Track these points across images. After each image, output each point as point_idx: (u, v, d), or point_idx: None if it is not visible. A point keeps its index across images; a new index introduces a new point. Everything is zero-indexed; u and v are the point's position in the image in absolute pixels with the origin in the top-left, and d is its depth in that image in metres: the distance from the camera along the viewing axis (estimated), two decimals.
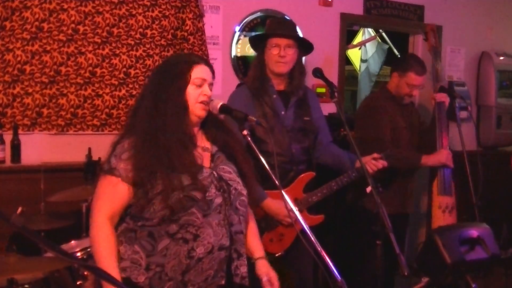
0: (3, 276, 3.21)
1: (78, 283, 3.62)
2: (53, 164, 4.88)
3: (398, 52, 8.90)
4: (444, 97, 4.70)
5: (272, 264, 3.97)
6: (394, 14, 6.59)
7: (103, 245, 2.71)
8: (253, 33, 5.59)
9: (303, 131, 4.09)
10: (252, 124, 3.07)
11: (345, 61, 9.29)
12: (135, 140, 2.75)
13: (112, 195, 2.73)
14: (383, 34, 8.71)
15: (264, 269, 3.01)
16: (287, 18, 5.65)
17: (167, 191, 2.65)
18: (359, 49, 9.34)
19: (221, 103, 2.90)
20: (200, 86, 2.83)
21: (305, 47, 4.15)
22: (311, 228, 4.01)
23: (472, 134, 6.44)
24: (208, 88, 2.85)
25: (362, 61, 9.55)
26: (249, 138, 2.85)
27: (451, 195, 4.65)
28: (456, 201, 4.66)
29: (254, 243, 3.08)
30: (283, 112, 4.05)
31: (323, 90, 5.82)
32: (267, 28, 4.15)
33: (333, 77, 6.26)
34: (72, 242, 4.04)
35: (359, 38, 8.94)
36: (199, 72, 2.84)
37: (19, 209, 3.39)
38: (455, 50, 7.05)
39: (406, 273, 3.04)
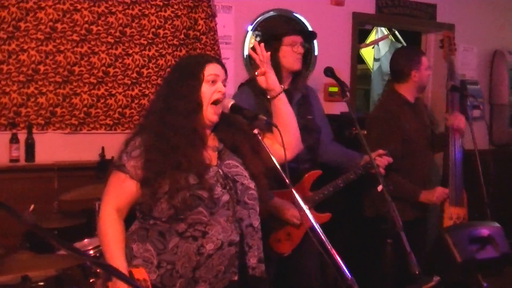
0: (16, 273, 3.25)
1: (90, 280, 3.66)
2: (67, 163, 4.93)
3: None
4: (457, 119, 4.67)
5: (279, 264, 4.02)
6: (406, 13, 6.60)
7: (110, 233, 2.77)
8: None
9: (306, 130, 4.10)
10: (262, 123, 3.09)
11: (359, 60, 9.37)
12: (146, 138, 2.80)
13: (119, 190, 2.80)
14: (396, 33, 8.70)
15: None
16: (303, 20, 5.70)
17: (173, 191, 2.69)
18: (373, 48, 9.33)
19: (232, 102, 2.91)
20: (213, 82, 2.86)
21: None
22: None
23: (485, 132, 6.43)
24: (221, 85, 2.89)
25: (375, 60, 9.54)
26: (259, 137, 2.87)
27: (463, 206, 4.62)
28: (468, 200, 4.65)
29: None
30: None
31: (335, 89, 5.83)
32: (279, 27, 4.16)
33: (345, 76, 6.27)
34: (85, 240, 4.08)
35: (372, 37, 8.93)
36: (211, 69, 2.87)
37: (31, 207, 3.44)
38: (468, 48, 7.04)
39: (416, 272, 3.05)
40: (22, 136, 4.87)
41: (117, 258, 2.71)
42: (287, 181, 2.77)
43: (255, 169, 2.97)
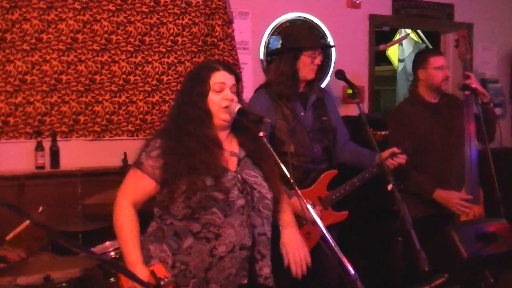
0: (38, 273, 3.38)
1: (111, 280, 3.76)
2: (90, 169, 5.05)
3: None
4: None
5: None
6: (423, 13, 6.63)
7: (126, 227, 2.89)
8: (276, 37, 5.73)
9: (322, 131, 4.19)
10: (268, 126, 3.18)
11: (386, 61, 9.41)
12: (164, 141, 2.93)
13: (136, 186, 2.94)
14: (420, 33, 8.71)
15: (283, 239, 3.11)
16: (307, 21, 5.76)
17: (189, 192, 2.81)
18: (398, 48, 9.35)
19: (238, 107, 2.99)
20: (220, 91, 2.96)
21: None
22: (335, 224, 4.14)
23: (508, 130, 6.45)
24: (229, 92, 2.97)
25: (400, 60, 9.55)
26: (265, 140, 2.95)
27: (479, 203, 4.64)
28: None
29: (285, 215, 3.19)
30: (302, 113, 4.16)
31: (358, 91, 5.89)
32: (301, 39, 4.18)
33: (363, 78, 6.35)
34: (107, 242, 4.18)
35: (396, 38, 8.96)
36: (217, 77, 2.97)
37: (40, 209, 3.56)
38: (487, 47, 7.05)
39: (426, 269, 3.10)
40: (46, 143, 5.01)
41: (133, 251, 2.83)
42: (291, 180, 2.85)
43: (270, 175, 3.06)
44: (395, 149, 4.10)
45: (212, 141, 2.94)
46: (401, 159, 4.09)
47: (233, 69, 3.15)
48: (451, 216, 4.53)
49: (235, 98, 3.00)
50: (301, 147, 4.07)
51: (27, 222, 3.95)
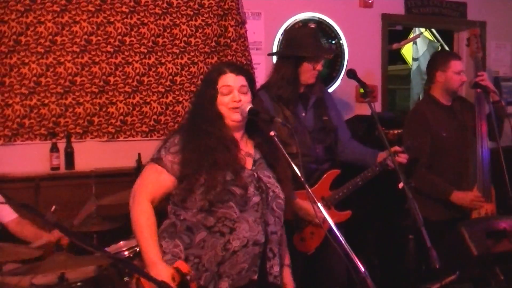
0: (53, 272, 3.43)
1: (125, 279, 3.80)
2: (104, 170, 5.09)
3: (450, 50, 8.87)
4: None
5: (305, 263, 4.10)
6: (436, 12, 6.63)
7: (144, 223, 2.88)
8: None
9: (323, 131, 4.20)
10: (278, 126, 3.20)
11: (401, 60, 9.40)
12: (183, 138, 2.97)
13: (155, 181, 2.94)
14: (434, 31, 8.71)
15: (285, 280, 3.15)
16: (311, 26, 5.79)
17: (209, 185, 2.84)
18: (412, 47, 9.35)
19: (249, 107, 3.02)
20: (228, 94, 2.99)
21: None
22: (339, 224, 4.16)
23: None
24: (236, 94, 2.99)
25: (414, 59, 9.55)
26: (276, 139, 2.97)
27: (491, 201, 4.63)
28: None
29: (283, 251, 3.19)
30: (303, 114, 4.18)
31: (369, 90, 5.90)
32: (304, 48, 4.19)
33: (377, 78, 6.37)
34: (121, 242, 4.22)
35: (411, 36, 8.96)
36: (224, 80, 3.01)
37: (53, 208, 3.60)
38: (500, 45, 7.03)
39: (437, 266, 3.11)
40: (61, 145, 5.08)
41: (153, 249, 2.84)
42: (304, 182, 2.87)
43: (283, 177, 3.09)
44: (397, 148, 4.09)
45: (230, 140, 2.99)
46: (402, 158, 4.07)
47: (243, 69, 3.18)
48: (466, 218, 4.54)
49: (246, 98, 3.03)
50: (303, 147, 4.07)
51: (92, 204, 4.03)
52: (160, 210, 3.05)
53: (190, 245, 2.89)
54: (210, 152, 2.89)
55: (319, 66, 4.15)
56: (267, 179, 3.03)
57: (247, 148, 3.09)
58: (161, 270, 2.75)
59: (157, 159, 2.95)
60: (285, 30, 5.89)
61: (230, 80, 3.02)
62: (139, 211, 2.91)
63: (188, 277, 2.75)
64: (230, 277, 2.87)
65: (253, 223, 2.88)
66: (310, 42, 4.23)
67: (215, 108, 3.00)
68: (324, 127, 4.21)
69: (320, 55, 4.19)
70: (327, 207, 4.10)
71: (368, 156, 4.24)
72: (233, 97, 2.99)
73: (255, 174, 2.99)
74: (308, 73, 4.13)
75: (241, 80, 3.05)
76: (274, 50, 5.85)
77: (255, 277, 2.93)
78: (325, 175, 4.16)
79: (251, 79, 3.13)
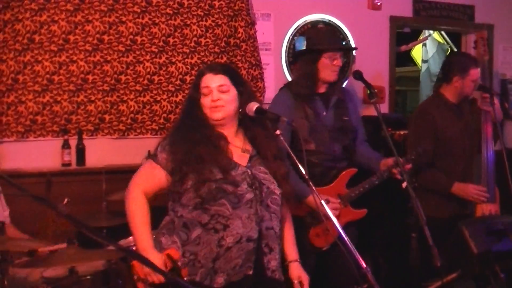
0: (63, 265, 3.51)
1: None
2: (115, 166, 5.18)
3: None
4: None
5: (318, 259, 4.15)
6: (444, 15, 6.68)
7: (138, 214, 3.04)
8: (303, 38, 5.82)
9: (342, 131, 4.27)
10: (297, 123, 3.26)
11: (411, 61, 9.43)
12: (173, 137, 3.10)
13: (149, 176, 3.07)
14: (444, 34, 8.73)
15: (296, 272, 3.21)
16: (329, 23, 5.85)
17: (199, 181, 2.93)
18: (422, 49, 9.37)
19: (256, 106, 3.10)
20: (207, 94, 3.08)
21: None
22: (354, 222, 4.22)
23: None
24: (216, 94, 3.06)
25: (423, 61, 9.57)
26: (281, 138, 3.06)
27: (495, 202, 4.66)
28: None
29: (289, 247, 3.28)
30: (324, 113, 4.24)
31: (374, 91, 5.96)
32: (321, 41, 4.26)
33: (385, 79, 6.42)
34: (130, 237, 4.28)
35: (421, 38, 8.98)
36: (204, 82, 3.11)
37: (65, 200, 3.69)
38: (508, 48, 7.04)
39: (438, 264, 3.17)
40: (73, 141, 5.17)
41: (145, 237, 2.99)
42: (306, 176, 2.94)
43: (276, 169, 3.14)
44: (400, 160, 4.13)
45: (217, 136, 3.08)
46: (405, 168, 4.12)
47: (224, 68, 3.22)
48: (470, 216, 4.58)
49: (227, 97, 3.08)
50: (321, 145, 4.16)
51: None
52: (161, 207, 3.16)
53: (187, 242, 2.97)
54: (195, 147, 2.99)
55: (337, 62, 4.20)
56: (263, 175, 3.09)
57: (244, 145, 3.16)
58: (153, 257, 2.87)
59: (153, 156, 3.09)
60: (301, 30, 5.99)
61: (208, 81, 3.10)
62: (132, 201, 3.06)
63: (179, 263, 2.87)
64: (225, 272, 2.95)
65: (246, 219, 2.95)
66: (326, 37, 4.31)
67: (199, 109, 3.10)
68: (344, 127, 4.28)
69: (336, 47, 4.25)
70: (343, 204, 4.17)
71: (372, 162, 4.29)
72: (211, 97, 3.07)
73: (249, 171, 3.05)
74: (327, 68, 4.19)
75: (220, 79, 3.10)
76: (283, 51, 5.93)
77: (250, 272, 2.99)
78: (342, 174, 4.22)
79: (234, 77, 3.17)
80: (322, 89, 4.29)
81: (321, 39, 4.29)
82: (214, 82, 3.09)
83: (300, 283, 3.17)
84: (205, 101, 3.08)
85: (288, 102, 4.20)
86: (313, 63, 4.21)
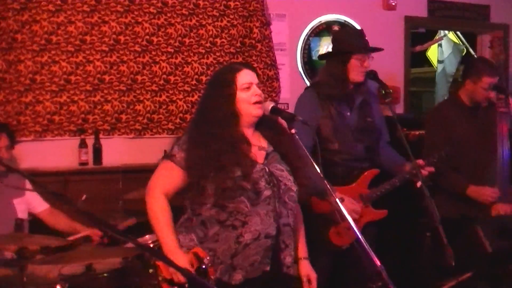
0: (80, 262, 3.56)
1: (150, 271, 3.90)
2: (131, 166, 5.22)
3: (474, 52, 8.86)
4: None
5: (338, 257, 4.16)
6: (459, 15, 6.68)
7: (161, 216, 3.01)
8: (317, 38, 5.86)
9: (365, 131, 4.28)
10: (321, 123, 3.26)
11: (427, 63, 9.42)
12: (191, 142, 3.05)
13: (167, 176, 3.07)
14: (459, 34, 8.71)
15: (305, 270, 3.23)
16: (355, 26, 5.88)
17: (219, 185, 2.94)
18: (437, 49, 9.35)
19: (272, 105, 3.13)
20: (248, 89, 3.06)
21: None
22: (375, 222, 4.24)
23: None
24: (257, 89, 3.07)
25: (439, 62, 9.55)
26: (296, 137, 3.07)
27: (510, 202, 4.68)
28: None
29: (300, 243, 3.29)
30: (348, 113, 4.26)
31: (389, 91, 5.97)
32: (350, 43, 4.29)
33: (400, 80, 6.43)
34: (147, 236, 4.32)
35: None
36: (243, 77, 3.08)
37: (83, 197, 3.73)
38: None
39: (452, 264, 3.17)
40: (90, 141, 5.22)
41: (170, 238, 2.96)
42: (321, 175, 2.96)
43: (296, 166, 3.16)
44: (420, 162, 4.14)
45: (239, 139, 3.06)
46: (426, 171, 4.13)
47: (254, 67, 3.28)
48: (485, 216, 4.58)
49: (262, 94, 3.12)
50: (344, 145, 4.17)
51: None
52: (178, 205, 3.17)
53: (204, 239, 2.99)
54: (217, 158, 2.96)
55: (366, 63, 4.22)
56: (280, 172, 3.10)
57: (260, 142, 3.16)
58: (179, 257, 2.87)
59: (170, 156, 3.07)
60: (316, 31, 6.03)
61: (249, 76, 3.10)
62: (154, 204, 3.04)
63: (206, 262, 2.86)
64: (244, 269, 2.96)
65: (264, 216, 2.97)
66: (356, 39, 4.33)
67: (233, 107, 3.06)
68: (367, 127, 4.28)
69: (366, 49, 4.28)
70: (364, 204, 4.18)
71: (395, 165, 4.28)
72: (254, 91, 3.06)
73: (266, 168, 3.05)
74: (357, 69, 4.20)
75: (256, 77, 3.13)
76: (298, 52, 5.97)
77: (268, 268, 3.01)
78: (364, 174, 4.22)
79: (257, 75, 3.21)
80: (348, 90, 4.30)
81: (351, 41, 4.31)
82: (254, 78, 3.11)
83: (309, 281, 3.20)
84: (245, 96, 3.05)
85: (313, 101, 4.22)
86: (343, 64, 4.22)
